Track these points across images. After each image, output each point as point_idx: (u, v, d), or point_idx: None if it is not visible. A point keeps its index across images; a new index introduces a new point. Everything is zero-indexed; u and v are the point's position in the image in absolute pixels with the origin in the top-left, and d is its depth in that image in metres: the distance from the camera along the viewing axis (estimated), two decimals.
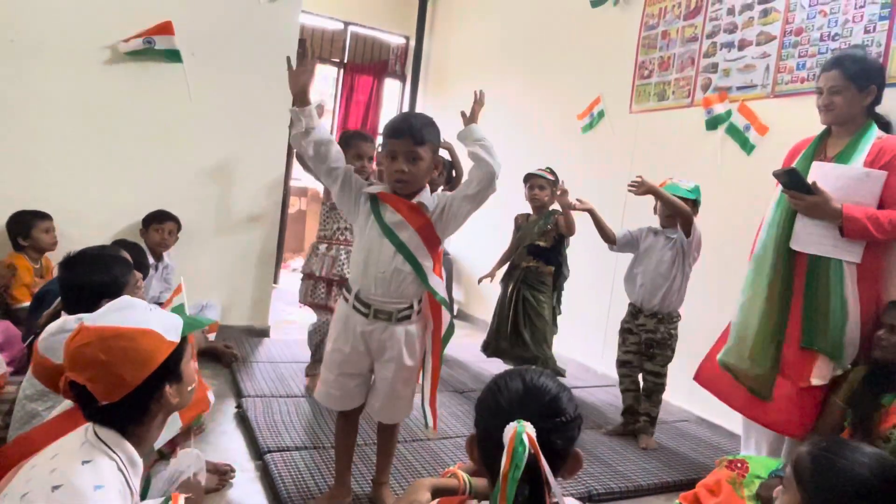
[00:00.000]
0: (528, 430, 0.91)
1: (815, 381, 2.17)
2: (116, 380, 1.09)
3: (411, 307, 1.89)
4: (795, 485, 1.33)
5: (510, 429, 0.92)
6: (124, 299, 1.23)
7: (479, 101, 1.94)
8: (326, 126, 1.90)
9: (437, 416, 2.02)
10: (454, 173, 3.68)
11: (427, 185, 1.91)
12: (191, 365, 1.25)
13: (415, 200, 1.85)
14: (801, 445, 1.37)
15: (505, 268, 3.37)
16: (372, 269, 1.85)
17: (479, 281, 3.44)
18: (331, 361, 1.93)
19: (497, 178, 1.84)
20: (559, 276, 3.26)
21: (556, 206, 3.18)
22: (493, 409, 1.00)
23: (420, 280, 1.85)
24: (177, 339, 1.18)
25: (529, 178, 3.23)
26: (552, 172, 3.22)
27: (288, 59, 1.85)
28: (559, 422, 0.98)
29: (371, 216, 1.87)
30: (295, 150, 3.59)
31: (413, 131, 1.79)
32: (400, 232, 1.84)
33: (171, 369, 1.17)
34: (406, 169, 1.79)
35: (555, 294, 3.26)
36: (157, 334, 1.14)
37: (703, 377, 2.52)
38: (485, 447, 1.01)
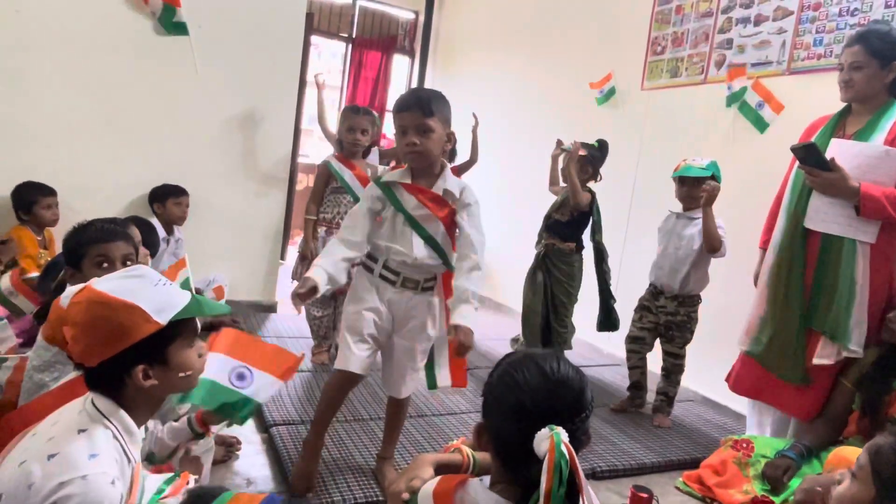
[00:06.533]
0: (564, 438, 0.85)
1: (816, 361, 2.15)
2: (89, 345, 1.08)
3: (435, 278, 1.91)
4: (871, 478, 1.26)
5: (545, 438, 0.85)
6: (138, 267, 1.20)
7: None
8: (336, 272, 1.80)
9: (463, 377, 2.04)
10: (471, 154, 3.68)
11: (447, 165, 1.89)
12: (188, 352, 1.18)
13: (440, 189, 1.83)
14: (881, 437, 1.31)
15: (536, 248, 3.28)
16: (397, 255, 1.84)
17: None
18: (358, 319, 1.85)
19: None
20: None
21: (592, 184, 3.07)
22: (516, 407, 0.93)
23: (444, 264, 1.88)
24: (164, 321, 1.11)
25: (559, 147, 3.12)
26: (585, 146, 3.00)
27: None
28: (584, 416, 0.94)
29: (391, 206, 1.85)
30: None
31: (421, 103, 1.76)
32: (427, 225, 1.83)
33: (151, 350, 1.12)
34: (417, 141, 1.76)
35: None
36: (141, 311, 1.09)
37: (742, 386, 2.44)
38: (505, 446, 0.96)
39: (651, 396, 2.92)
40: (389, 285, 1.87)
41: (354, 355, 1.83)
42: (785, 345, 2.20)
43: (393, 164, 3.44)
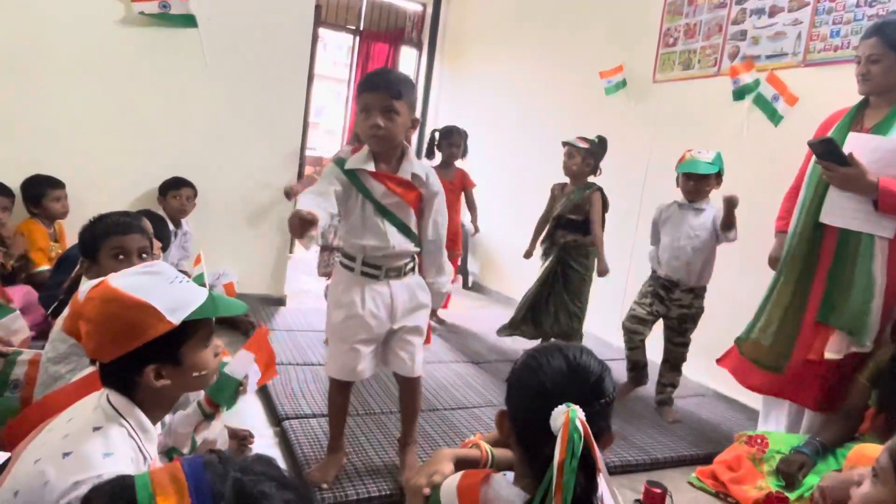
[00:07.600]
0: (579, 415, 0.86)
1: (828, 355, 2.13)
2: (102, 342, 1.08)
3: (413, 259, 1.91)
4: (894, 478, 1.25)
5: (561, 414, 0.87)
6: (155, 264, 1.19)
7: None
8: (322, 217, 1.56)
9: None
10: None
11: (411, 149, 1.86)
12: (203, 352, 1.17)
13: (407, 174, 1.80)
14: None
15: (542, 246, 3.29)
16: (374, 251, 1.80)
17: (526, 256, 3.30)
18: (345, 329, 1.84)
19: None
20: None
21: (593, 178, 3.11)
22: (536, 388, 0.96)
23: (417, 245, 1.89)
24: (177, 320, 1.09)
25: (564, 146, 3.11)
26: (585, 140, 3.06)
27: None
28: (603, 403, 0.95)
29: (359, 195, 1.79)
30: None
31: (389, 84, 1.69)
32: (399, 212, 1.80)
33: (164, 350, 1.10)
34: (381, 123, 1.69)
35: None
36: (154, 310, 1.07)
37: (729, 362, 2.49)
38: (524, 428, 0.97)
39: (652, 392, 2.92)
40: (373, 280, 1.83)
41: (345, 366, 1.87)
42: (773, 330, 2.23)
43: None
